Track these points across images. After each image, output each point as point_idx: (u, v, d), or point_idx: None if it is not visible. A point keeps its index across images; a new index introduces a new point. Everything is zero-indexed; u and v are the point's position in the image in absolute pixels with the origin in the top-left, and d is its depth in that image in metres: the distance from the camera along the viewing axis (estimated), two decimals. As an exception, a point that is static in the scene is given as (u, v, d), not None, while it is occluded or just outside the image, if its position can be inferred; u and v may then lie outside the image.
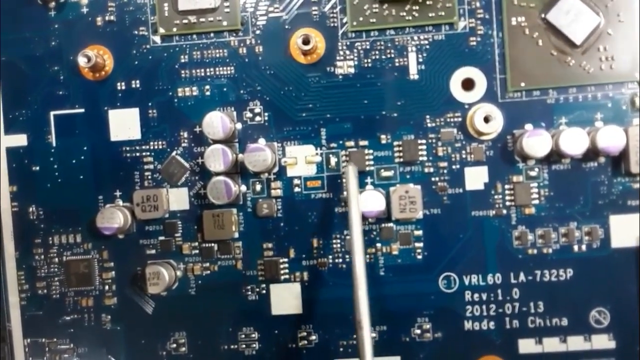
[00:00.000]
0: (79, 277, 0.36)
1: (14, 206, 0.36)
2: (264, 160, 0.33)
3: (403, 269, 0.35)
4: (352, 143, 0.35)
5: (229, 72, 0.35)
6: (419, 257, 0.35)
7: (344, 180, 0.33)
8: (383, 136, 0.35)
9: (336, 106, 0.35)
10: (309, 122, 0.35)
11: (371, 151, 0.35)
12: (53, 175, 0.36)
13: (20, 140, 0.36)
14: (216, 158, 0.34)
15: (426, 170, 0.35)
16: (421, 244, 0.35)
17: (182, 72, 0.35)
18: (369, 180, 0.35)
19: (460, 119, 0.34)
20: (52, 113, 0.36)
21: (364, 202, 0.33)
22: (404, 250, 0.35)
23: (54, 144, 0.36)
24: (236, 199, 0.35)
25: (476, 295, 0.35)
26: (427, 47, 0.34)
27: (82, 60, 0.33)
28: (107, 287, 0.36)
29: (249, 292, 0.36)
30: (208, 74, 0.35)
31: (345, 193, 0.33)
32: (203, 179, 0.35)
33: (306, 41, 0.32)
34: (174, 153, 0.36)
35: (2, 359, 0.35)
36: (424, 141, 0.34)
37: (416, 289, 0.35)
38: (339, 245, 0.35)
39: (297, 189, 0.35)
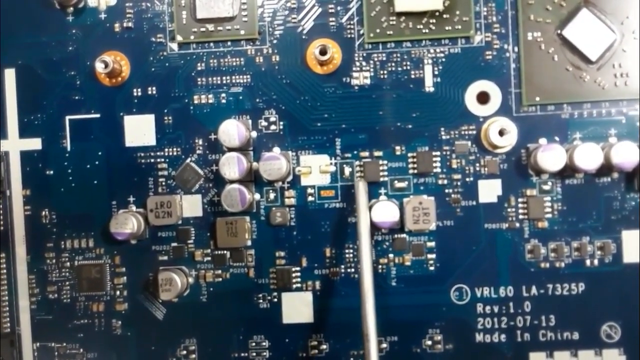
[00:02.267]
0: (91, 282, 0.37)
1: (27, 210, 0.37)
2: (279, 169, 0.35)
3: (415, 280, 0.36)
4: (366, 153, 0.36)
5: (245, 80, 0.37)
6: (432, 268, 0.36)
7: (356, 192, 0.34)
8: (397, 147, 0.36)
9: (351, 116, 0.36)
10: (324, 132, 0.36)
11: (385, 162, 0.36)
12: (67, 179, 0.37)
13: (34, 144, 0.37)
14: (231, 165, 0.35)
15: (440, 182, 0.36)
16: (434, 256, 0.36)
17: (199, 79, 0.37)
18: (382, 191, 0.36)
19: (474, 132, 0.36)
20: (67, 117, 0.37)
21: (377, 212, 0.35)
22: (417, 262, 0.36)
23: (69, 149, 0.37)
24: (250, 207, 0.36)
25: (488, 308, 0.36)
26: (443, 59, 0.35)
27: (99, 66, 0.35)
28: (118, 293, 0.37)
29: (261, 300, 0.37)
30: (224, 82, 0.37)
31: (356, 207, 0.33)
32: (217, 186, 0.37)
33: (323, 51, 0.33)
34: (188, 160, 0.37)
35: None
36: (438, 153, 0.36)
37: (428, 300, 0.36)
38: (351, 255, 0.36)
39: (310, 198, 0.36)
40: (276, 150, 0.36)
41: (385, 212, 0.35)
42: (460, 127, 0.36)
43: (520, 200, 0.36)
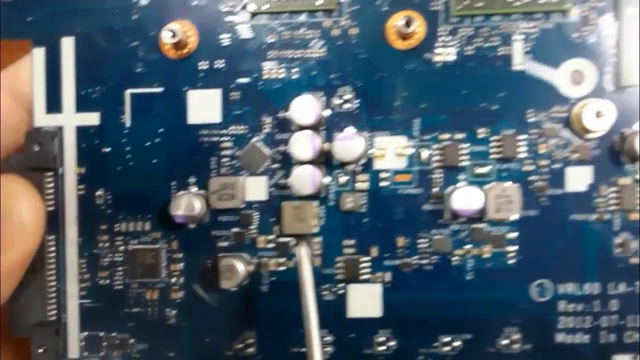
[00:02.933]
0: (145, 267, 0.35)
1: (80, 189, 0.35)
2: (356, 150, 0.33)
3: (493, 273, 0.34)
4: (446, 136, 0.34)
5: (319, 54, 0.35)
6: (512, 261, 0.34)
7: (298, 259, 0.32)
8: (481, 130, 0.34)
9: (432, 96, 0.34)
10: (402, 112, 0.34)
11: (467, 145, 0.34)
12: (125, 157, 0.35)
13: (92, 118, 0.35)
14: (304, 144, 0.33)
15: (525, 168, 0.34)
16: (515, 248, 0.34)
17: (270, 52, 0.35)
18: (462, 176, 0.34)
19: (566, 114, 0.33)
20: (127, 91, 0.35)
21: (459, 199, 0.33)
22: (496, 254, 0.34)
23: (128, 125, 0.35)
24: (319, 191, 0.34)
25: (571, 306, 0.34)
26: (535, 35, 0.33)
27: (166, 36, 0.33)
28: (174, 280, 0.35)
29: (326, 292, 0.35)
30: (297, 55, 0.35)
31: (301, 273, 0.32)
32: (284, 168, 0.35)
33: (409, 23, 0.31)
34: (254, 139, 0.35)
35: (55, 353, 0.35)
36: (524, 137, 0.34)
37: (506, 296, 0.34)
38: (426, 245, 0.34)
39: (384, 183, 0.34)
40: (349, 129, 0.34)
41: (469, 198, 0.33)
42: (550, 108, 0.34)
43: (611, 189, 0.33)
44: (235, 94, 0.35)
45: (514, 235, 0.34)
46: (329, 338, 0.34)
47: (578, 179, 0.34)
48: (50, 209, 0.35)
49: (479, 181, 0.34)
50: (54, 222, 0.35)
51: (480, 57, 0.34)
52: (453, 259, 0.34)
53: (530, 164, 0.34)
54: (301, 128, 0.33)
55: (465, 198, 0.33)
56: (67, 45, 0.35)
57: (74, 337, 0.36)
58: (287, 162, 0.34)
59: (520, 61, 0.34)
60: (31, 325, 0.34)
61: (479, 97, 0.34)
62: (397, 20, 0.33)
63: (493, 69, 0.33)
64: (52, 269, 0.35)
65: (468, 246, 0.34)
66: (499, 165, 0.34)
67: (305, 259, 0.32)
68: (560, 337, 0.34)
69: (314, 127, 0.33)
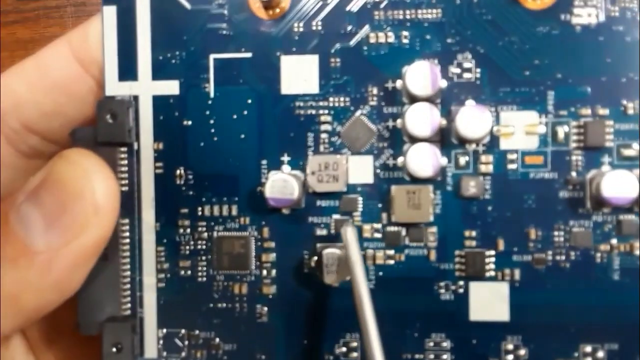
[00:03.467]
0: (233, 258, 0.31)
1: (158, 167, 0.31)
2: (484, 126, 0.28)
3: (644, 273, 0.27)
4: (588, 111, 0.29)
5: (434, 15, 0.30)
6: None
7: (345, 241, 0.28)
8: (630, 105, 0.29)
9: (570, 64, 0.29)
10: (534, 83, 0.29)
11: (612, 122, 0.29)
12: (208, 132, 0.31)
13: (171, 87, 0.31)
14: (422, 119, 0.29)
15: None
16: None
17: (376, 13, 0.30)
18: (606, 159, 0.30)
19: None
20: (212, 57, 0.31)
21: (610, 184, 0.28)
22: (648, 250, 0.27)
23: (212, 95, 0.31)
24: (435, 174, 0.30)
25: None
26: None
27: None
28: (265, 273, 0.31)
29: (443, 290, 0.30)
30: (407, 16, 0.30)
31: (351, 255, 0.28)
32: (393, 146, 0.30)
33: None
34: (358, 113, 0.31)
35: (130, 352, 0.31)
36: (682, 113, 0.26)
37: (659, 300, 0.27)
38: (562, 239, 0.30)
39: (512, 166, 0.30)
40: (470, 103, 0.29)
41: (622, 184, 0.28)
42: None
43: None
44: (335, 61, 0.30)
45: None
46: (446, 344, 0.31)
47: None
48: (124, 189, 0.31)
49: (627, 165, 0.29)
50: (128, 204, 0.31)
51: (628, 19, 0.29)
52: (596, 255, 0.30)
53: None
54: (413, 100, 0.29)
55: (617, 183, 0.28)
56: (142, 3, 0.31)
57: (151, 334, 0.32)
58: (396, 140, 0.30)
59: None
60: (103, 320, 0.31)
61: (626, 66, 0.29)
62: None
63: None
64: (126, 257, 0.31)
65: (614, 241, 0.30)
66: None
67: (354, 240, 0.28)
68: None
69: (430, 100, 0.29)
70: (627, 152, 0.29)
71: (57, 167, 0.27)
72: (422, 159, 0.28)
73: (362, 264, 0.28)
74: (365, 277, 0.27)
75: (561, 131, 0.30)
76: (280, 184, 0.29)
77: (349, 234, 0.28)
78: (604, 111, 0.29)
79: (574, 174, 0.30)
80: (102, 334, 0.30)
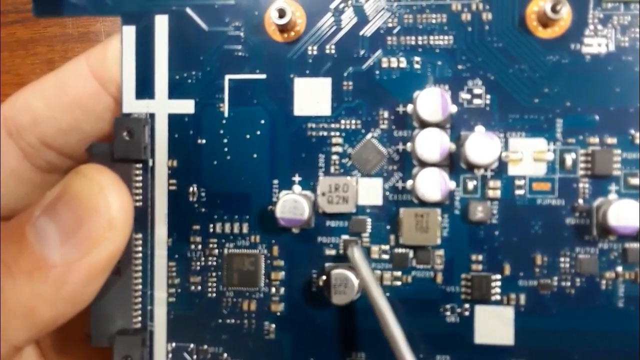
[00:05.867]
0: (243, 275, 0.33)
1: (172, 184, 0.33)
2: (492, 152, 0.30)
3: (649, 301, 0.28)
4: (596, 140, 0.31)
5: (446, 42, 0.32)
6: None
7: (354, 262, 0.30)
8: (637, 134, 0.31)
9: (579, 93, 0.31)
10: (542, 111, 0.31)
11: (620, 151, 0.31)
12: (222, 150, 0.33)
13: (186, 106, 0.33)
14: (431, 144, 0.31)
15: None
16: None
17: (389, 39, 0.32)
18: (613, 187, 0.31)
19: None
20: (227, 77, 0.33)
21: (616, 214, 0.30)
22: (653, 279, 0.28)
23: (227, 114, 0.33)
24: (444, 198, 0.31)
25: None
26: None
27: (273, 15, 0.31)
28: (274, 290, 0.33)
29: (448, 313, 0.32)
30: (420, 42, 0.32)
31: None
32: (402, 169, 0.32)
33: (554, 8, 0.27)
34: (369, 136, 0.32)
35: None
36: (688, 144, 0.28)
37: (666, 329, 0.28)
38: (567, 265, 0.31)
39: (519, 192, 0.32)
40: (480, 129, 0.31)
41: (628, 213, 0.30)
42: None
43: None
44: (347, 84, 0.32)
45: None
46: None
47: None
48: (138, 204, 0.33)
49: (633, 194, 0.31)
50: (141, 219, 0.33)
51: (637, 50, 0.30)
52: (601, 282, 0.31)
53: None
54: (423, 125, 0.31)
55: (623, 213, 0.30)
56: (161, 24, 0.33)
57: (160, 347, 0.34)
58: (406, 163, 0.32)
59: None
60: (114, 333, 0.32)
61: (635, 96, 0.31)
62: (541, 3, 0.30)
63: None
64: (138, 271, 0.33)
65: (619, 268, 0.31)
66: None
67: (362, 260, 0.30)
68: None
69: (439, 125, 0.31)
70: (633, 181, 0.31)
71: (73, 182, 0.29)
72: (431, 183, 0.30)
73: (375, 280, 0.29)
74: (382, 292, 0.29)
75: (569, 159, 0.31)
76: (291, 204, 0.31)
77: (356, 254, 0.30)
78: (611, 140, 0.31)
79: (580, 201, 0.31)
80: (113, 346, 0.32)
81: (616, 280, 0.31)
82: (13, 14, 0.41)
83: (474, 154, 0.29)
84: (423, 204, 0.31)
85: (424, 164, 0.31)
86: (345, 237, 0.32)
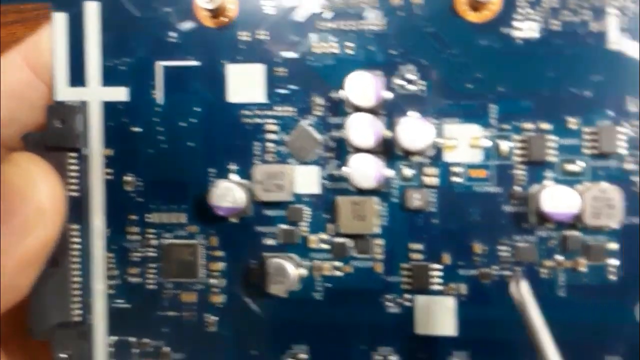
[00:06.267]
0: (182, 266, 0.47)
1: (108, 174, 0.46)
2: (425, 137, 0.43)
3: (590, 290, 0.43)
4: (530, 126, 0.44)
5: (377, 26, 0.45)
6: (613, 277, 0.43)
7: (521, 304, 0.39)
8: (571, 120, 0.43)
9: (513, 78, 0.44)
10: (477, 96, 0.43)
11: (555, 138, 0.43)
12: (157, 139, 0.46)
13: (120, 94, 0.46)
14: (365, 130, 0.44)
15: (626, 166, 0.43)
16: (616, 261, 0.43)
17: (320, 23, 0.45)
18: (549, 174, 0.44)
19: (674, 103, 0.42)
20: (160, 64, 0.46)
21: (550, 199, 0.42)
22: (593, 267, 0.43)
23: (160, 101, 0.46)
24: (380, 185, 0.44)
25: (688, 332, 0.41)
26: (633, 9, 0.41)
27: (202, 1, 0.44)
28: (214, 281, 0.47)
29: (389, 303, 0.45)
30: (352, 28, 0.45)
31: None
32: (339, 156, 0.45)
33: (483, -10, 0.42)
34: (304, 122, 0.45)
35: (80, 358, 0.46)
36: (624, 129, 0.42)
37: (606, 318, 0.42)
38: (507, 254, 0.44)
39: (456, 179, 0.44)
40: (414, 114, 0.44)
41: (561, 199, 0.42)
42: (654, 96, 0.42)
43: None
44: (281, 70, 0.46)
45: (615, 246, 0.43)
46: (394, 358, 0.45)
47: None
48: (74, 194, 0.45)
49: (570, 180, 0.44)
50: (77, 209, 0.46)
51: (568, 33, 0.43)
52: (541, 271, 0.44)
53: (633, 161, 0.43)
54: (357, 111, 0.44)
55: (558, 198, 0.42)
56: (92, 11, 0.46)
57: (101, 341, 0.46)
58: (342, 150, 0.45)
59: (616, 39, 0.43)
60: (53, 326, 0.44)
61: (568, 81, 0.43)
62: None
63: (584, 47, 0.43)
64: (75, 262, 0.45)
65: (559, 257, 0.43)
66: (594, 162, 0.44)
67: (531, 299, 0.38)
68: None
69: (373, 111, 0.44)
70: (570, 168, 0.44)
71: (4, 171, 0.43)
72: (364, 170, 0.44)
73: (543, 324, 0.37)
74: (552, 342, 0.37)
75: (504, 145, 0.44)
76: (224, 192, 0.45)
77: (524, 291, 0.38)
78: (546, 126, 0.44)
79: (517, 188, 0.44)
80: (52, 340, 0.46)
81: (556, 269, 0.44)
82: (13, 14, 0.55)
83: (406, 139, 0.43)
84: (361, 191, 0.45)
85: (359, 151, 0.44)
86: (283, 226, 0.46)
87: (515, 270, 0.42)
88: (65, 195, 0.44)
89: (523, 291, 0.38)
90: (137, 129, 0.46)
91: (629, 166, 0.42)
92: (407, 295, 0.44)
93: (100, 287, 0.46)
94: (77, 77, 0.46)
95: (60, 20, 0.47)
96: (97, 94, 0.46)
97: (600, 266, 0.43)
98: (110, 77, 0.46)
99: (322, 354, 0.45)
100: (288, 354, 0.46)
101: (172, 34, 0.46)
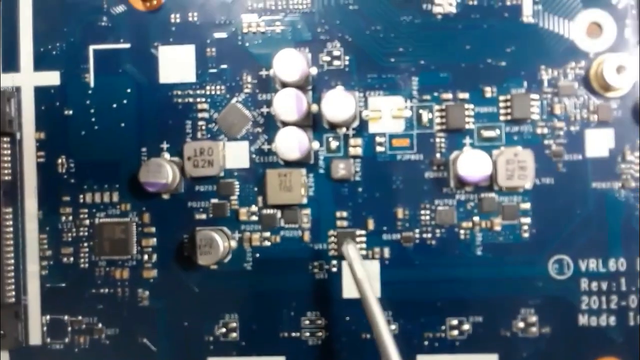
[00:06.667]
0: (114, 243, 0.48)
1: (40, 156, 0.47)
2: (347, 110, 0.45)
3: (505, 248, 0.45)
4: (449, 96, 0.46)
5: (304, 5, 0.47)
6: (526, 235, 0.45)
7: (348, 258, 0.41)
8: (487, 89, 0.45)
9: (432, 51, 0.46)
10: (399, 70, 0.46)
11: (472, 106, 0.45)
12: (89, 120, 0.47)
13: (52, 78, 0.47)
14: (289, 104, 0.45)
15: (539, 131, 0.45)
16: (529, 220, 0.45)
17: (249, 3, 0.47)
18: (467, 140, 0.46)
19: (582, 71, 0.44)
20: (91, 47, 0.47)
21: (465, 164, 0.44)
22: (508, 227, 0.45)
23: (92, 84, 0.48)
24: (307, 157, 0.46)
25: (594, 284, 0.44)
26: None
27: None
28: (146, 257, 0.47)
29: (317, 270, 0.46)
30: (279, 7, 0.47)
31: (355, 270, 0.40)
32: (267, 132, 0.47)
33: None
34: (234, 100, 0.47)
35: (14, 339, 0.47)
36: (537, 96, 0.44)
37: (521, 274, 0.45)
38: (428, 218, 0.47)
39: (380, 148, 0.46)
40: (340, 89, 0.46)
41: (475, 163, 0.44)
42: (565, 65, 0.44)
43: (637, 154, 0.43)
44: (211, 50, 0.47)
45: (527, 205, 0.45)
46: (321, 321, 0.47)
47: (599, 142, 0.44)
48: (7, 178, 0.47)
49: (487, 146, 0.46)
50: (11, 193, 0.46)
51: (485, 7, 0.46)
52: (460, 232, 0.46)
53: (544, 126, 0.46)
54: (285, 87, 0.46)
55: (472, 163, 0.44)
56: None
57: (35, 321, 0.47)
58: (270, 125, 0.47)
59: (530, 12, 0.46)
60: None
61: (484, 53, 0.46)
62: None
63: (500, 21, 0.46)
64: (9, 245, 0.46)
65: (476, 218, 0.45)
66: (509, 127, 0.46)
67: (357, 257, 0.41)
68: (583, 320, 0.44)
69: (300, 87, 0.46)
70: (486, 134, 0.46)
71: None
72: (289, 142, 0.46)
73: (368, 281, 0.39)
74: (373, 294, 0.39)
75: (425, 115, 0.47)
76: (154, 169, 0.46)
77: (351, 250, 0.41)
78: (463, 95, 0.46)
79: (437, 155, 0.46)
80: (-14, 321, 0.47)
81: (473, 229, 0.46)
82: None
83: (330, 112, 0.45)
84: (289, 164, 0.47)
85: (285, 125, 0.46)
86: (214, 200, 0.47)
87: (348, 236, 0.45)
88: (-3, 180, 0.45)
89: (352, 252, 0.41)
90: (68, 112, 0.47)
91: (541, 131, 0.45)
92: (333, 262, 0.46)
93: (34, 268, 0.47)
94: (9, 62, 0.47)
95: (-7, 7, 0.47)
96: (30, 79, 0.47)
97: (515, 225, 0.45)
98: (42, 62, 0.47)
99: (251, 322, 0.46)
100: (220, 323, 0.47)
101: (103, 17, 0.48)
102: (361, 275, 0.39)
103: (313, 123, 0.45)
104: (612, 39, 0.45)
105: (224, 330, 0.47)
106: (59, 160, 0.47)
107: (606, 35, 0.45)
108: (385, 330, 0.37)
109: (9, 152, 0.46)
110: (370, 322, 0.38)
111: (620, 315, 0.44)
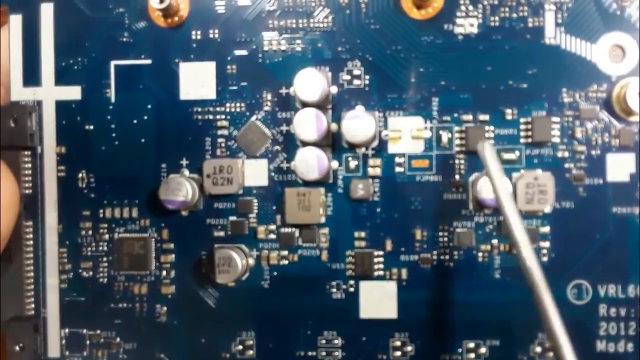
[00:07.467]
0: (133, 259, 0.47)
1: (61, 170, 0.47)
2: (367, 130, 0.43)
3: (524, 272, 0.43)
4: (469, 117, 0.45)
5: (324, 24, 0.45)
6: (545, 259, 0.44)
7: (482, 162, 0.39)
8: (508, 111, 0.44)
9: (453, 72, 0.45)
10: (419, 90, 0.45)
11: (492, 128, 0.44)
12: (109, 136, 0.47)
13: (73, 93, 0.47)
14: (309, 124, 0.44)
15: (559, 154, 0.44)
16: (547, 244, 0.44)
17: (270, 22, 0.46)
18: None
19: (605, 95, 0.43)
20: (112, 63, 0.46)
21: (485, 186, 0.43)
22: (527, 251, 0.43)
23: (113, 100, 0.47)
24: (326, 177, 0.45)
25: (613, 310, 0.44)
26: (569, 5, 0.44)
27: (154, 1, 0.44)
28: (164, 273, 0.47)
29: (334, 290, 0.46)
30: (300, 25, 0.46)
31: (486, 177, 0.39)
32: (287, 150, 0.46)
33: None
34: (253, 118, 0.46)
35: (33, 351, 0.46)
36: (558, 119, 0.44)
37: (539, 298, 0.43)
38: (446, 239, 0.45)
39: (399, 169, 0.45)
40: (360, 109, 0.44)
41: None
42: (587, 88, 0.43)
43: None
44: (231, 68, 0.46)
45: (546, 229, 0.44)
46: (337, 341, 0.46)
47: (620, 167, 0.44)
48: (28, 191, 0.47)
49: (507, 168, 0.44)
50: (31, 206, 0.47)
51: (507, 29, 0.44)
52: (478, 254, 0.45)
53: (564, 149, 0.44)
54: (305, 106, 0.44)
55: (488, 186, 0.42)
56: (47, 12, 0.47)
57: (54, 334, 0.47)
58: (290, 144, 0.46)
59: (552, 34, 0.44)
60: (7, 319, 0.46)
61: (506, 74, 0.44)
62: (412, -13, 0.43)
63: (522, 42, 0.44)
64: (29, 258, 0.46)
65: (495, 241, 0.45)
66: (529, 150, 0.45)
67: (493, 157, 0.39)
68: (601, 345, 0.44)
69: (320, 106, 0.45)
70: (506, 156, 0.45)
71: None
72: (308, 163, 0.44)
73: (504, 183, 0.38)
74: (511, 197, 0.38)
75: (445, 136, 0.45)
76: (174, 186, 0.45)
77: (487, 150, 0.38)
78: (484, 117, 0.45)
79: (457, 177, 0.45)
80: (5, 333, 0.46)
81: (492, 252, 0.45)
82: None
83: (349, 133, 0.43)
84: (307, 183, 0.45)
85: (305, 144, 0.44)
86: (233, 218, 0.46)
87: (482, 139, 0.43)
88: (19, 193, 0.45)
89: (487, 152, 0.39)
90: (89, 127, 0.47)
91: (562, 154, 0.44)
92: (350, 282, 0.45)
93: (53, 281, 0.47)
94: (31, 77, 0.47)
95: (15, 22, 0.47)
96: (51, 93, 0.47)
97: (534, 249, 0.42)
98: (63, 77, 0.47)
99: (268, 340, 0.46)
100: (236, 341, 0.46)
101: (125, 33, 0.46)
102: (497, 176, 0.38)
103: (332, 142, 0.45)
104: (634, 63, 0.44)
105: (240, 347, 0.47)
106: (80, 175, 0.47)
107: (629, 58, 0.44)
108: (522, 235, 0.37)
109: (30, 166, 0.46)
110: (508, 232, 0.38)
111: (639, 342, 0.43)
